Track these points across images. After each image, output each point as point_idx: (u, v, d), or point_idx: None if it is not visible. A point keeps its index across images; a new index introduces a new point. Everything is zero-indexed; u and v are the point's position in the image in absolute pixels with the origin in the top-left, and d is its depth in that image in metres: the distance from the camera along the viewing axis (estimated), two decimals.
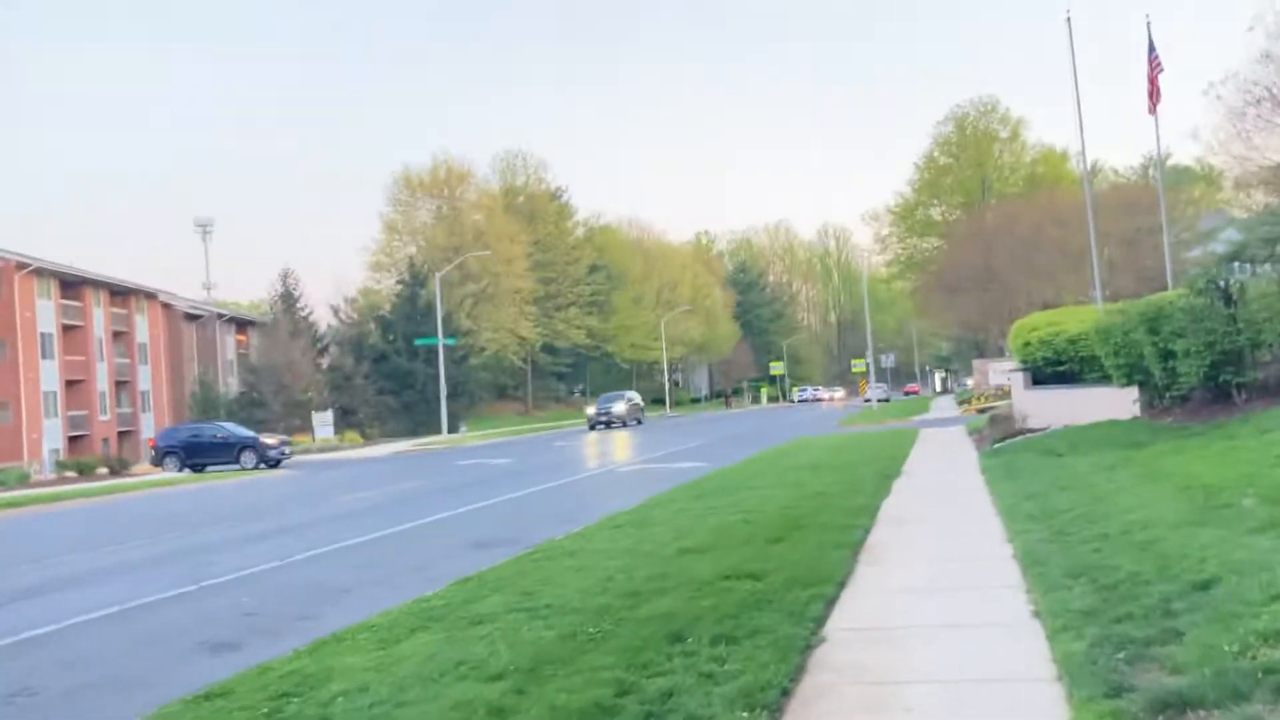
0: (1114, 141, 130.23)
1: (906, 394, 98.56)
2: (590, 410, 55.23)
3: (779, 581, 7.87)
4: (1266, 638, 4.88)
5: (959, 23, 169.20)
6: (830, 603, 7.23)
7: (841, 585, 7.80)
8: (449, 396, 55.69)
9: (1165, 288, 25.99)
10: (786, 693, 5.24)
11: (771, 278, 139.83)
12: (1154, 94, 23.50)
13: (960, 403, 49.06)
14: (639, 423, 55.53)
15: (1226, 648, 4.82)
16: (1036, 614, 6.34)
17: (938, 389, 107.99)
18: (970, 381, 66.29)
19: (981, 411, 38.76)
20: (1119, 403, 17.86)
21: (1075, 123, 24.64)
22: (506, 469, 27.34)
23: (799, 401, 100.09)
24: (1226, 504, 8.26)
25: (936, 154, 72.02)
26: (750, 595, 7.47)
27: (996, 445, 18.93)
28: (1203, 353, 13.37)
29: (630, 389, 65.56)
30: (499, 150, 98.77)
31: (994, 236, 51.30)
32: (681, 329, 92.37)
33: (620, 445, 35.66)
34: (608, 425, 51.87)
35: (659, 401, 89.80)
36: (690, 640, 6.24)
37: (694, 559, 9.24)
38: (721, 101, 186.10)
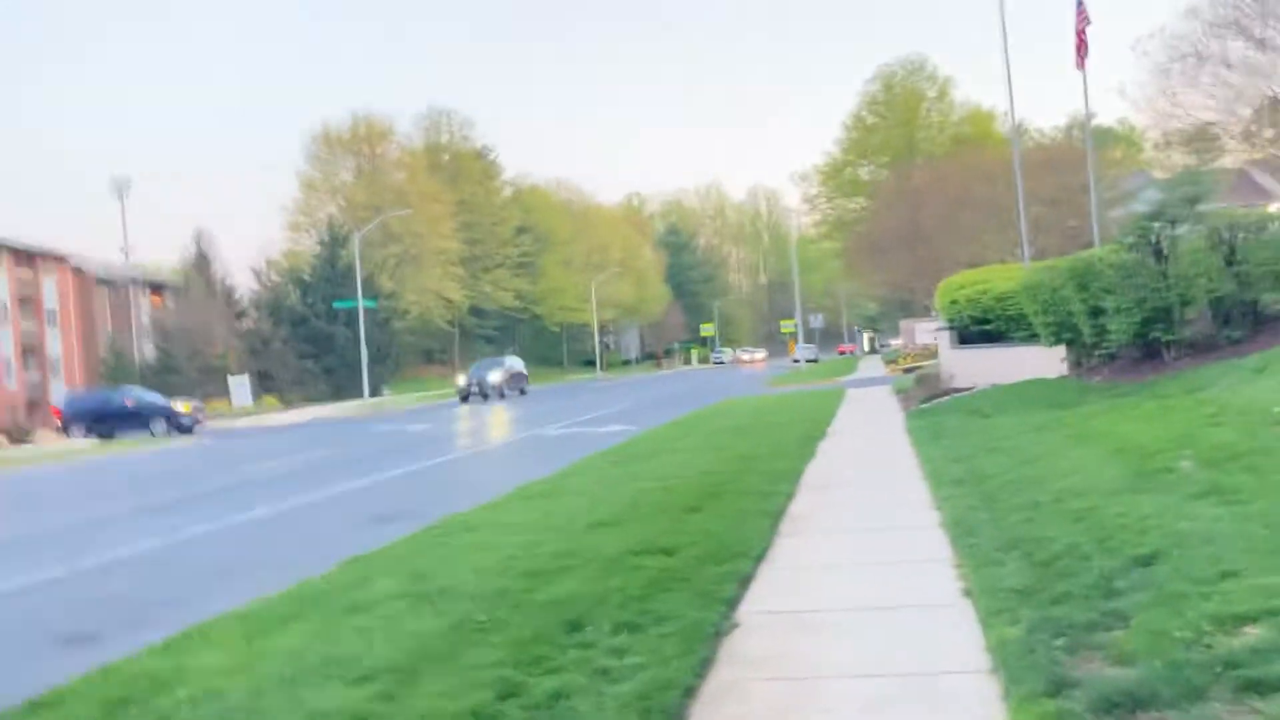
0: (1041, 101, 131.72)
1: (841, 354, 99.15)
2: (460, 380, 47.32)
3: (692, 557, 7.28)
4: (1221, 622, 4.37)
5: None
6: (746, 581, 6.64)
7: (759, 560, 7.22)
8: (372, 360, 54.33)
9: (1091, 247, 25.95)
10: (690, 692, 4.63)
11: (702, 240, 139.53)
12: (1082, 48, 23.19)
13: (887, 363, 49.19)
14: (522, 393, 48.38)
15: (1177, 634, 4.31)
16: (967, 592, 5.81)
17: (865, 349, 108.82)
18: (896, 342, 66.69)
19: (908, 371, 38.77)
20: (1047, 362, 17.61)
21: (1004, 80, 24.37)
22: (424, 435, 26.49)
23: (714, 364, 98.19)
24: (1163, 468, 7.84)
25: (864, 113, 71.79)
26: (660, 574, 6.86)
27: (923, 405, 18.59)
28: (1132, 310, 13.04)
29: (509, 355, 58.63)
30: (423, 108, 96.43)
31: (921, 196, 51.18)
32: (612, 291, 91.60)
33: (547, 410, 34.94)
34: (484, 398, 45.12)
35: (589, 364, 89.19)
36: (589, 629, 5.61)
37: (605, 533, 8.62)
38: (652, 61, 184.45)
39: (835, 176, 73.60)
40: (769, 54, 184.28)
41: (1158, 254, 13.40)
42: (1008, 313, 19.31)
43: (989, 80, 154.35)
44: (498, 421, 29.78)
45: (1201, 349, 13.27)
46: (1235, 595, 4.65)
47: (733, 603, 6.07)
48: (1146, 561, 5.48)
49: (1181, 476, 7.47)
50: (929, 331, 45.97)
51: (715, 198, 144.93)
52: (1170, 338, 13.09)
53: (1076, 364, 16.97)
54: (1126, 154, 65.68)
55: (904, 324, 50.66)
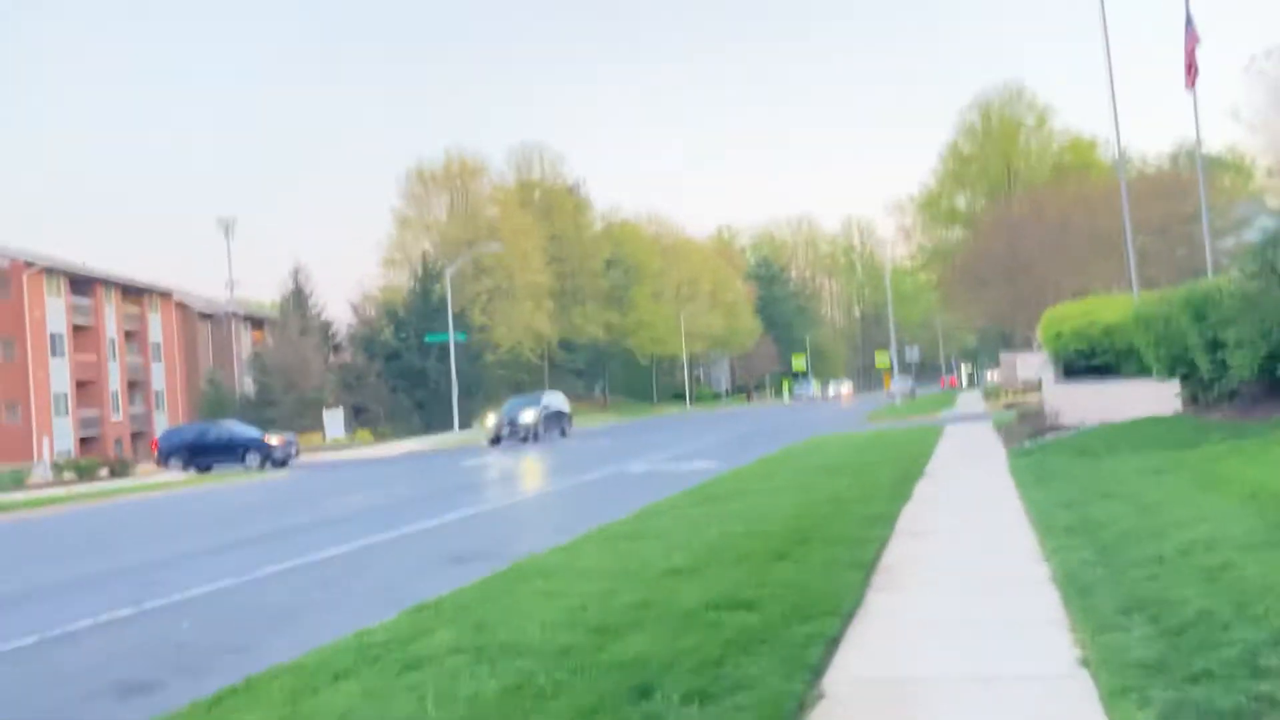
0: (1145, 126, 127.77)
1: (943, 387, 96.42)
2: (490, 421, 42.44)
3: (776, 612, 6.70)
4: None
5: (984, 4, 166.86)
6: (833, 643, 6.03)
7: (849, 618, 6.60)
8: (463, 394, 54.68)
9: (1202, 277, 24.60)
10: None
11: (794, 272, 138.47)
12: (1191, 69, 22.06)
13: (987, 397, 47.60)
14: (563, 434, 43.43)
15: None
16: (1085, 662, 5.12)
17: (964, 383, 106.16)
18: (993, 375, 64.64)
19: (1009, 407, 37.35)
20: (1160, 398, 16.54)
21: (1107, 106, 23.28)
22: (512, 470, 26.24)
23: (793, 399, 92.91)
24: None
25: (961, 142, 70.27)
26: (740, 632, 6.30)
27: (1026, 444, 17.63)
28: (1257, 342, 12.06)
29: (546, 391, 50.47)
30: (515, 143, 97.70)
31: (1021, 226, 49.69)
32: (702, 323, 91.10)
33: (634, 444, 34.51)
34: (522, 439, 40.19)
35: (679, 397, 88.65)
36: (658, 696, 5.09)
37: (683, 581, 8.08)
38: (744, 93, 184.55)
39: (931, 207, 72.13)
40: (863, 83, 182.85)
41: None
42: (1116, 346, 18.24)
43: (1089, 107, 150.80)
44: (581, 457, 29.43)
45: None
46: None
47: (818, 669, 5.48)
48: None
49: None
50: (1031, 365, 44.30)
51: (807, 229, 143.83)
52: None
53: (1192, 400, 15.88)
54: (1235, 182, 63.04)
55: (1004, 357, 49.00)
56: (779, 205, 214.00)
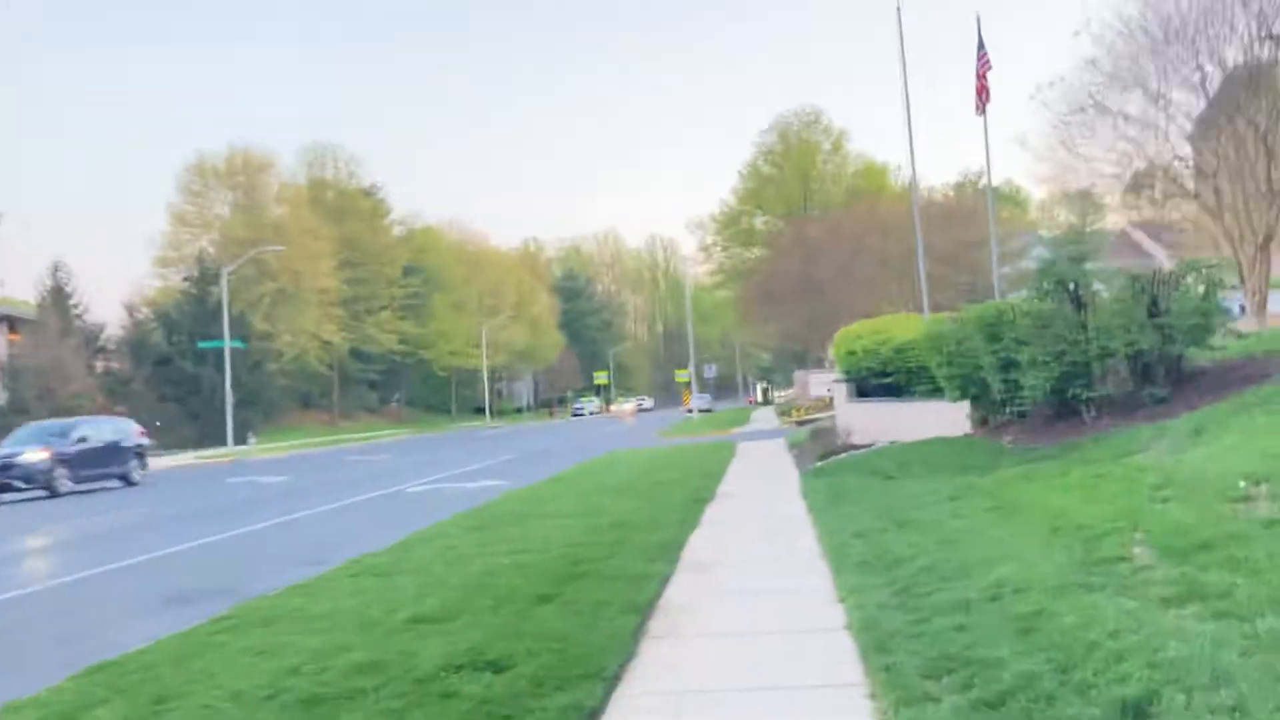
0: (935, 154, 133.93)
1: (749, 403, 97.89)
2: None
3: (528, 675, 5.52)
4: None
5: (787, 28, 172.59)
6: (591, 718, 4.91)
7: (614, 682, 5.49)
8: (241, 404, 51.21)
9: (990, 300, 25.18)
10: None
11: (599, 287, 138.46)
12: (982, 93, 22.48)
13: (781, 414, 48.15)
14: (126, 480, 28.29)
15: None
16: None
17: (759, 400, 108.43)
18: (789, 393, 65.95)
19: (802, 424, 37.65)
20: (951, 418, 16.37)
21: (902, 133, 23.51)
22: (279, 489, 24.08)
23: (575, 415, 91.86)
24: (1115, 556, 6.37)
25: (760, 163, 71.67)
26: (478, 705, 5.08)
27: (819, 464, 17.18)
28: (1050, 364, 11.81)
29: (92, 418, 31.58)
30: (307, 142, 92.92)
31: (816, 247, 50.72)
32: (505, 336, 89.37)
33: (420, 461, 32.73)
34: (24, 486, 25.40)
35: (479, 411, 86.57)
36: None
37: (427, 633, 6.79)
38: (552, 106, 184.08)
39: (731, 225, 73.18)
40: (669, 104, 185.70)
41: (1077, 303, 12.25)
42: (909, 365, 18.08)
43: (882, 133, 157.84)
44: (356, 475, 27.50)
45: (1122, 408, 12.09)
46: None
47: None
48: (1137, 709, 3.91)
49: (1140, 569, 6.01)
50: (823, 383, 45.09)
51: (613, 244, 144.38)
52: (1090, 395, 11.88)
53: (982, 422, 15.75)
54: (1013, 213, 66.76)
55: (798, 375, 49.83)
56: (586, 220, 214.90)
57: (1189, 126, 24.16)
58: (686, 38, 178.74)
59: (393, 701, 5.26)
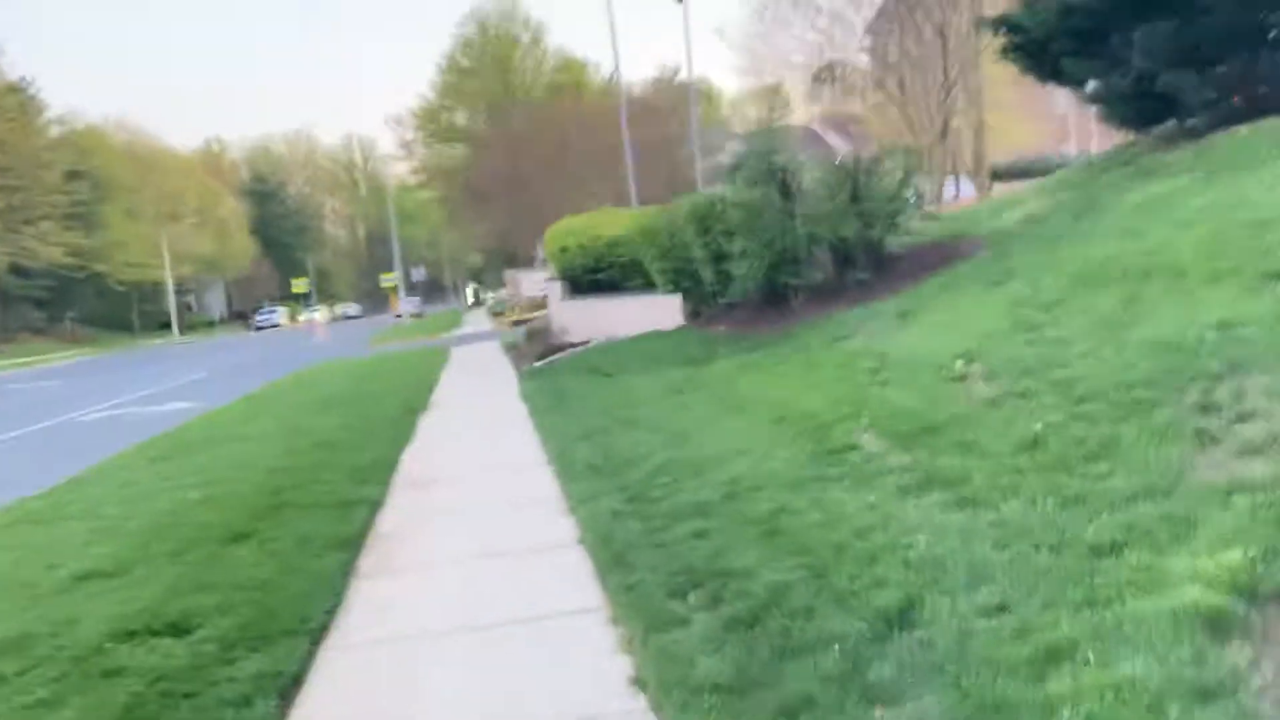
0: (633, 50, 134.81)
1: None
2: None
3: (216, 637, 4.70)
4: None
5: None
6: (291, 690, 4.17)
7: (320, 635, 4.75)
8: None
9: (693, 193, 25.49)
10: None
11: (293, 189, 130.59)
12: None
13: (494, 316, 47.45)
14: None
15: None
16: (639, 685, 3.72)
17: (470, 302, 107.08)
18: (502, 294, 65.21)
19: (516, 324, 37.17)
20: (664, 312, 16.31)
21: (605, 27, 22.92)
22: None
23: (257, 329, 77.36)
24: (845, 445, 6.26)
25: (459, 56, 69.09)
26: (151, 686, 4.21)
27: (537, 364, 16.73)
28: (761, 253, 11.80)
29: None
30: None
31: (521, 143, 49.76)
32: (189, 245, 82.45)
33: (92, 384, 29.59)
34: None
35: (166, 326, 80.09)
36: None
37: (94, 592, 5.76)
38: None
39: (432, 121, 70.41)
40: None
41: (784, 192, 12.27)
42: (621, 260, 17.84)
43: (580, 28, 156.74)
44: (12, 406, 24.46)
45: (826, 294, 12.32)
46: (1065, 684, 2.87)
47: None
48: (902, 618, 3.65)
49: (872, 456, 5.91)
50: (536, 283, 44.67)
51: (306, 145, 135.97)
52: (799, 282, 12.01)
53: (695, 314, 15.78)
54: (707, 110, 68.38)
55: (509, 275, 49.15)
56: (276, 120, 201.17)
57: (870, 18, 25.12)
58: None
59: (40, 690, 4.29)
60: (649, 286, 17.40)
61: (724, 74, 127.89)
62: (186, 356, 44.36)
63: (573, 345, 17.71)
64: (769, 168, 12.23)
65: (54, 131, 75.89)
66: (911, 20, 23.62)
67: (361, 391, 16.05)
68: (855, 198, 12.02)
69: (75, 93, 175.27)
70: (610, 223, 18.89)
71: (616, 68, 24.51)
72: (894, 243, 12.98)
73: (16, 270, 65.92)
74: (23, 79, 72.62)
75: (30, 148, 67.47)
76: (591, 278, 18.43)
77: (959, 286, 10.09)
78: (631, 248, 17.41)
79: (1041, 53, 14.65)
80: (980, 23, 15.24)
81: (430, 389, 15.32)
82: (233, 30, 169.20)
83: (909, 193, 12.16)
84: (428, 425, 11.57)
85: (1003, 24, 15.09)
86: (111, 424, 17.43)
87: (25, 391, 29.41)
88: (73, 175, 70.51)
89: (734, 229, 12.42)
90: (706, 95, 75.84)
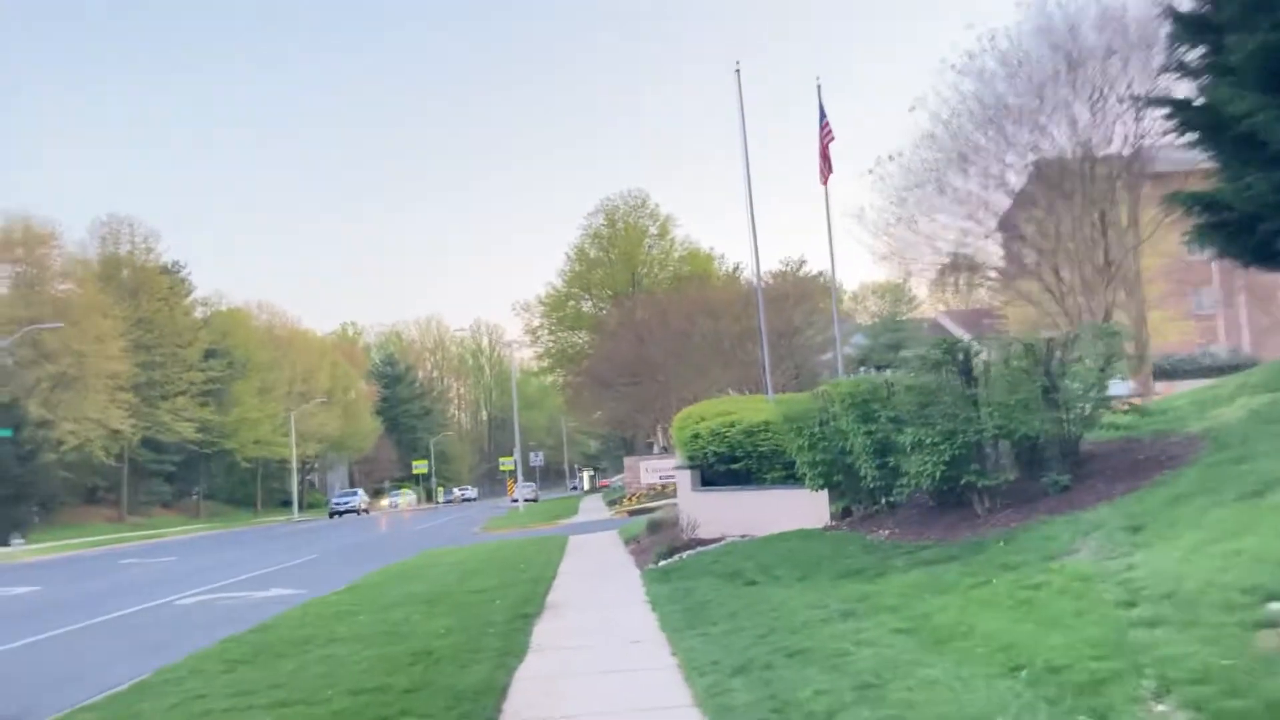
0: (764, 240, 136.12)
1: (602, 487, 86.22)
2: None
3: None
4: None
5: (612, 115, 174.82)
6: None
7: None
8: (10, 500, 45.40)
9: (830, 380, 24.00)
10: None
11: (421, 373, 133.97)
12: (826, 161, 21.38)
13: (610, 504, 45.91)
14: None
15: None
16: None
17: (585, 488, 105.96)
18: (616, 480, 63.84)
19: (634, 514, 35.56)
20: (809, 509, 14.52)
21: (744, 203, 22.26)
22: (14, 605, 20.11)
23: (333, 514, 71.17)
24: (1121, 705, 4.38)
25: (588, 246, 70.49)
26: None
27: (663, 562, 15.01)
28: (940, 445, 10.07)
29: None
30: (101, 215, 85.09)
31: (646, 329, 49.41)
32: (316, 424, 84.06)
33: (202, 563, 28.82)
34: None
35: (287, 504, 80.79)
36: None
37: None
38: (376, 192, 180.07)
39: (559, 309, 71.41)
40: (494, 187, 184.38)
41: (967, 376, 10.61)
42: (760, 449, 16.21)
43: (706, 218, 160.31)
44: (123, 583, 23.65)
45: (1013, 497, 10.44)
46: None
47: None
48: None
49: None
50: (655, 470, 43.28)
51: (436, 330, 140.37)
52: (985, 483, 10.18)
53: (844, 513, 13.94)
54: (826, 302, 67.57)
55: (628, 461, 47.83)
56: (409, 307, 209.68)
57: (1008, 207, 23.78)
58: (512, 123, 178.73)
59: None
60: (790, 479, 15.67)
61: (848, 267, 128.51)
62: (301, 535, 43.83)
63: (703, 542, 15.96)
64: (947, 348, 10.63)
65: (199, 313, 79.34)
66: (1068, 205, 22.17)
67: (470, 588, 14.53)
68: (1049, 386, 10.28)
69: (222, 276, 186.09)
70: (748, 408, 17.38)
71: (755, 253, 23.36)
72: (1089, 439, 11.09)
73: (150, 444, 67.64)
74: (175, 263, 76.71)
75: (174, 327, 70.38)
76: (726, 467, 16.80)
77: (1197, 495, 8.17)
78: (773, 435, 15.80)
79: (1247, 232, 12.98)
80: (1172, 198, 13.60)
81: (545, 589, 13.70)
82: (374, 220, 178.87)
83: (1114, 380, 10.39)
84: (542, 636, 9.90)
85: (1199, 200, 13.51)
86: (205, 611, 16.23)
87: (138, 568, 28.80)
88: (210, 353, 73.06)
89: (905, 417, 10.76)
90: (825, 288, 75.29)
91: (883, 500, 12.28)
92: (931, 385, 10.66)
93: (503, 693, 7.39)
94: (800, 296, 53.16)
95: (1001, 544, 8.91)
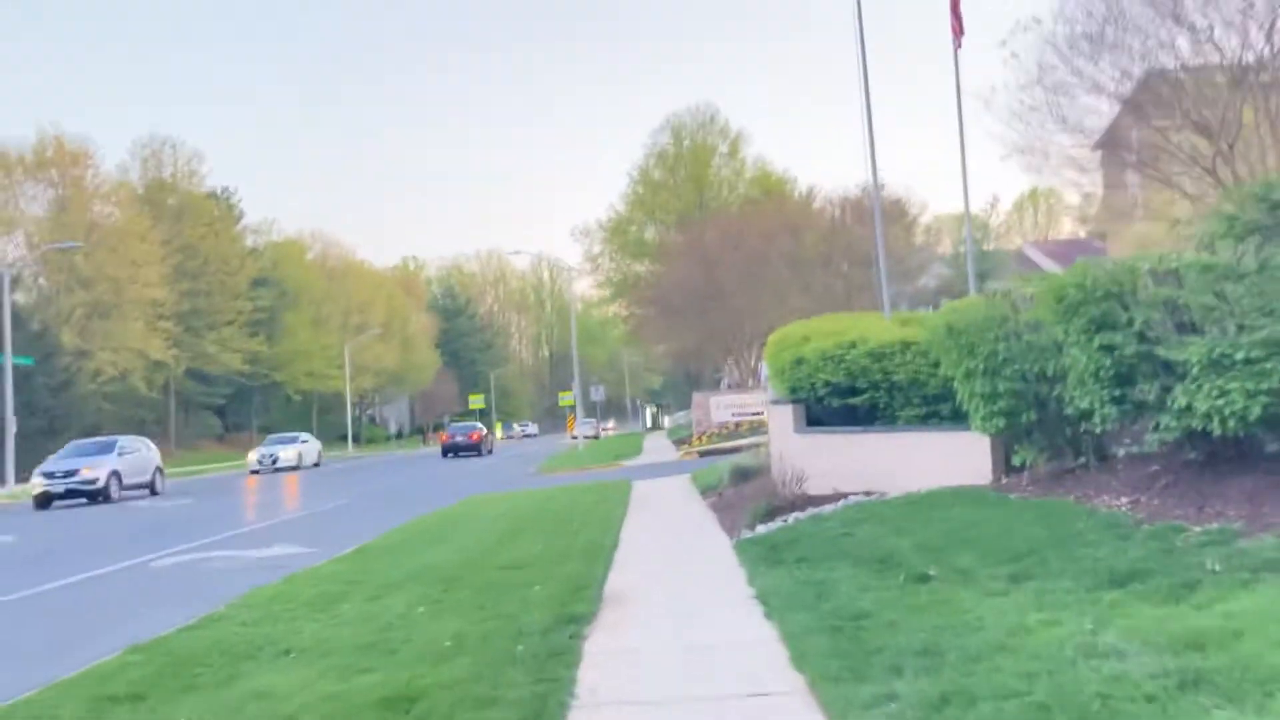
0: (830, 164, 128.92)
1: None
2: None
3: None
4: None
5: (675, 34, 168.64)
6: None
7: None
8: (43, 433, 43.00)
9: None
10: None
11: (482, 307, 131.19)
12: (957, 20, 17.00)
13: (678, 443, 42.13)
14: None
15: None
16: None
17: (648, 425, 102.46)
18: (684, 416, 59.89)
19: (704, 455, 31.78)
20: (963, 460, 10.51)
21: (864, 137, 18.05)
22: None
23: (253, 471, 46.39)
24: None
25: (652, 166, 65.93)
26: None
27: (761, 528, 11.15)
28: (1265, 363, 6.01)
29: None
30: (141, 136, 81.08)
31: (716, 253, 45.16)
32: (373, 356, 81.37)
33: (220, 506, 25.70)
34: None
35: (344, 438, 78.49)
36: None
37: None
38: (435, 122, 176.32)
39: (620, 234, 67.18)
40: (555, 115, 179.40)
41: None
42: (893, 378, 12.17)
43: (777, 136, 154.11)
44: (120, 531, 20.51)
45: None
46: None
47: None
48: None
49: None
50: (729, 406, 39.41)
51: (497, 264, 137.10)
52: None
53: (1015, 468, 9.92)
54: (900, 232, 62.61)
55: (697, 397, 43.89)
56: (469, 240, 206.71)
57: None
58: (569, 41, 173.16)
59: None
60: (931, 418, 11.66)
61: (928, 193, 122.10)
62: (344, 474, 40.77)
63: (813, 500, 12.03)
64: (1273, 205, 6.49)
65: (250, 241, 76.60)
66: (1262, 90, 17.55)
67: (504, 560, 10.82)
68: None
69: (277, 207, 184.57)
70: (871, 327, 13.28)
71: (872, 157, 18.74)
72: None
73: (196, 375, 65.27)
74: (225, 189, 73.83)
75: (221, 255, 67.59)
76: (842, 402, 12.76)
77: None
78: (910, 361, 11.76)
79: None
80: None
81: (603, 568, 9.91)
82: (436, 150, 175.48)
83: None
84: (595, 673, 6.05)
85: None
86: (183, 576, 12.82)
87: (147, 511, 25.73)
88: (259, 282, 70.31)
89: (1188, 321, 6.66)
90: (903, 213, 70.13)
91: (1109, 451, 8.22)
92: (1220, 268, 6.55)
93: None
94: (887, 220, 48.50)
95: None
